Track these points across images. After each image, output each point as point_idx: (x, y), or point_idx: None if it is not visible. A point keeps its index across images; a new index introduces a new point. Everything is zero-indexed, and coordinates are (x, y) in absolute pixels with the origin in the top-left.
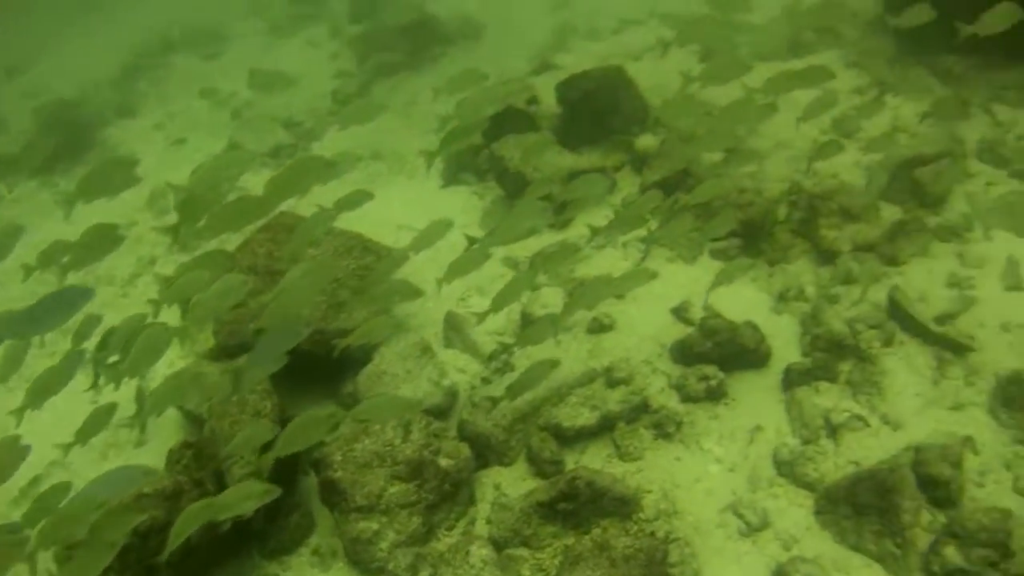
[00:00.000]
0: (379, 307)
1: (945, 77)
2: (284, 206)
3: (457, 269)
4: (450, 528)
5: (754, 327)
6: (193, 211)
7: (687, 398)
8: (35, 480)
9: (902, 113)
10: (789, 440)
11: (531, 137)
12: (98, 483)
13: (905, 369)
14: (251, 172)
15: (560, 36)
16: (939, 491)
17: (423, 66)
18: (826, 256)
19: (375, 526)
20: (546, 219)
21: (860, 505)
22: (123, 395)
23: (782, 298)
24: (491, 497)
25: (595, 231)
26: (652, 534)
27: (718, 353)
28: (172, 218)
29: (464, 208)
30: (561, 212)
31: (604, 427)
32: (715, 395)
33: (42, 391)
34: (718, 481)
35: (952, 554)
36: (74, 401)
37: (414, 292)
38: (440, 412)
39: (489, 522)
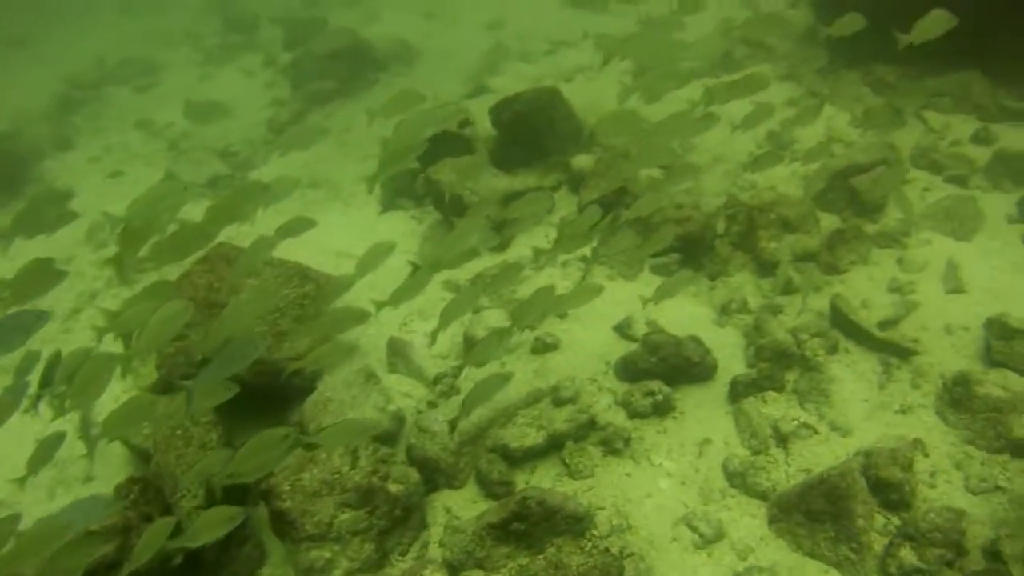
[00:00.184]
0: (324, 334)
1: (878, 86)
2: (223, 236)
3: (402, 294)
4: (403, 553)
5: (697, 341)
6: (133, 241)
7: (634, 414)
8: None
9: (836, 123)
10: (739, 451)
11: (466, 160)
12: (67, 511)
13: (851, 376)
14: (189, 203)
15: (493, 59)
16: (891, 494)
17: (357, 92)
18: (766, 267)
19: (327, 554)
20: (489, 240)
21: (813, 512)
22: (69, 428)
23: (725, 311)
24: (443, 520)
25: (539, 251)
26: (607, 550)
27: (663, 368)
28: (111, 251)
29: (403, 233)
30: (500, 234)
31: (552, 446)
32: (662, 410)
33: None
34: (670, 495)
35: (908, 555)
36: (10, 440)
37: (362, 316)
38: (387, 437)
39: (442, 545)
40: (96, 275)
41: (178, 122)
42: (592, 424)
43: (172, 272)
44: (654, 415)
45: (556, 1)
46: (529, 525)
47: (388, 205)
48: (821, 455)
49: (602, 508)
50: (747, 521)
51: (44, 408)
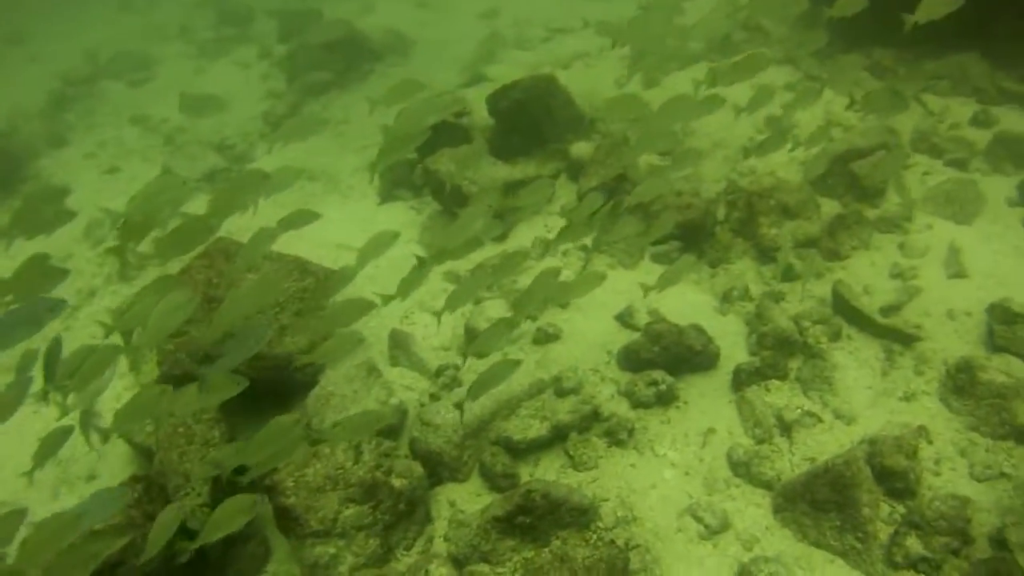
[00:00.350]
0: (330, 327)
1: (876, 69)
2: (222, 231)
3: (408, 286)
4: (408, 548)
5: (700, 329)
6: (133, 235)
7: (637, 404)
8: None
9: (835, 107)
10: (743, 440)
11: (465, 149)
12: (82, 505)
13: (854, 363)
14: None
15: (489, 47)
16: (896, 482)
17: (353, 84)
18: (767, 254)
19: (332, 550)
20: (493, 230)
21: (818, 501)
22: (74, 423)
23: (726, 299)
24: (447, 514)
25: (543, 240)
26: (612, 542)
27: (665, 357)
28: (112, 242)
29: (402, 223)
30: (503, 222)
31: (556, 438)
32: (665, 400)
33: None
34: (674, 485)
35: (914, 544)
36: (11, 441)
37: (367, 307)
38: (390, 431)
39: (447, 539)
40: (95, 272)
41: (173, 116)
42: (596, 415)
43: (170, 269)
44: (657, 405)
45: None
46: (534, 518)
47: (386, 196)
48: (825, 443)
49: (607, 500)
50: (752, 511)
51: (51, 400)
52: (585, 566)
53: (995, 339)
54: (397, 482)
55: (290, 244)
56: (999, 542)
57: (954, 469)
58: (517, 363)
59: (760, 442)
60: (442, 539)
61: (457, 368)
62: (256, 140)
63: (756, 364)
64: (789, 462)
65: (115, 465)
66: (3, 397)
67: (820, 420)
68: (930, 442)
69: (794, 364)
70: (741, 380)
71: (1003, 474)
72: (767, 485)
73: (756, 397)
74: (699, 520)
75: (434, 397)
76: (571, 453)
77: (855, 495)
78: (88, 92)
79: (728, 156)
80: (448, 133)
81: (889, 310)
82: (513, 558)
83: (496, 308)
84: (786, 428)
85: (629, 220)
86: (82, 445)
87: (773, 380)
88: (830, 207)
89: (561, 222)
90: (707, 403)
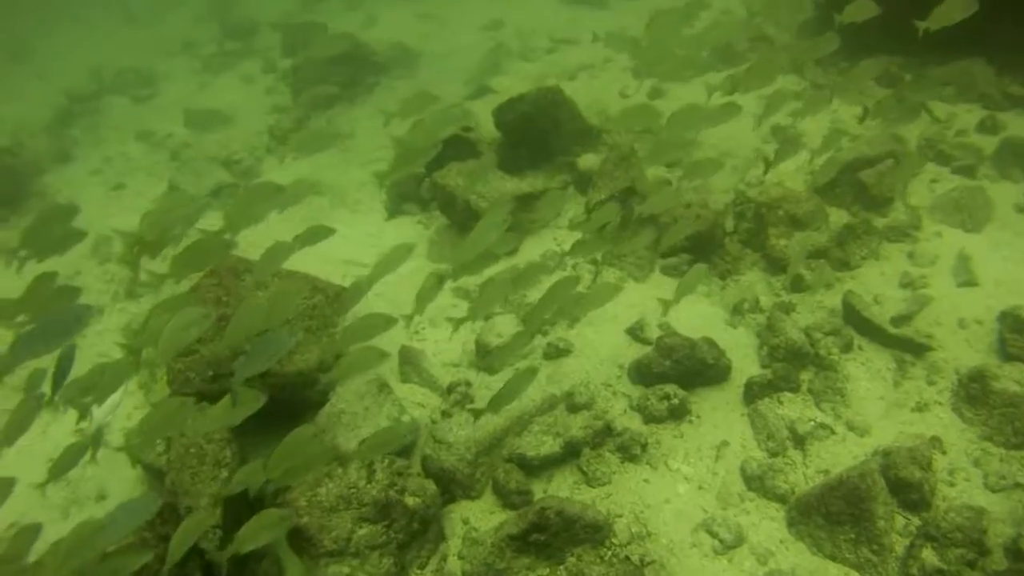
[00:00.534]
0: (349, 343)
1: (883, 77)
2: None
3: (424, 300)
4: (422, 566)
5: (711, 342)
6: (146, 251)
7: (650, 418)
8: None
9: (842, 116)
10: (756, 453)
11: (474, 163)
12: (112, 514)
13: (866, 374)
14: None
15: (494, 59)
16: (911, 494)
17: (359, 97)
18: (777, 265)
19: (346, 570)
20: (509, 243)
21: (833, 514)
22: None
23: (737, 311)
24: (461, 532)
25: (560, 253)
26: (627, 559)
27: (677, 371)
28: (116, 266)
29: (410, 238)
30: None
31: (569, 453)
32: (678, 414)
33: (13, 431)
34: (688, 500)
35: (929, 556)
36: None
37: (388, 322)
38: (403, 449)
39: (461, 557)
40: (103, 289)
41: (178, 132)
42: (608, 430)
43: (178, 288)
44: (670, 419)
45: None
46: (549, 535)
47: (394, 211)
48: (839, 455)
49: (620, 516)
50: (766, 525)
51: (58, 409)
52: None
53: (1007, 348)
54: (410, 501)
55: (297, 260)
56: (1015, 553)
57: (968, 480)
58: (535, 371)
59: (773, 455)
60: (456, 557)
61: (469, 384)
62: (263, 155)
63: (768, 376)
64: (803, 475)
65: (125, 485)
66: (15, 415)
67: (833, 432)
68: (944, 453)
69: (806, 376)
70: (753, 393)
71: (1017, 484)
72: (781, 498)
73: (769, 410)
74: (714, 535)
75: (446, 414)
76: (584, 469)
77: (870, 508)
78: (93, 108)
79: (736, 166)
80: (455, 147)
81: (900, 320)
82: None
83: (506, 324)
84: (799, 441)
85: (646, 231)
86: (92, 466)
87: (785, 392)
88: (838, 216)
89: (570, 235)
90: (720, 416)
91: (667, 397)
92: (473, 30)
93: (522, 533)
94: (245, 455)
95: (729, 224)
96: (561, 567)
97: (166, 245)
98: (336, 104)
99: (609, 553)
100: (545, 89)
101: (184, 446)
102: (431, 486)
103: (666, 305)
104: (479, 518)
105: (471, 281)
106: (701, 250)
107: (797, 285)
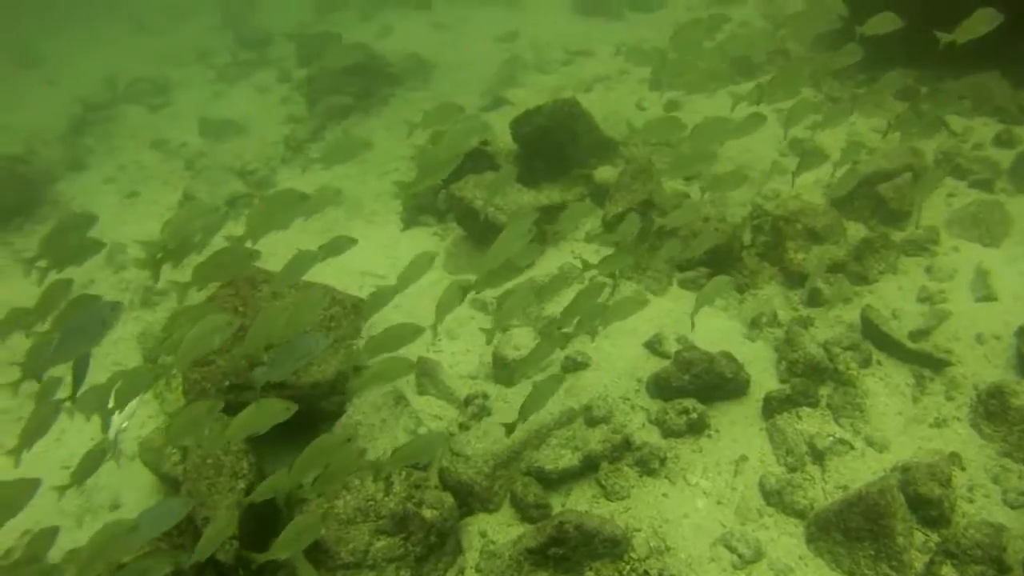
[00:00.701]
0: (377, 353)
1: (899, 91)
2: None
3: (444, 310)
4: None
5: (730, 357)
6: (170, 257)
7: (669, 433)
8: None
9: (859, 129)
10: (775, 468)
11: (493, 175)
12: (144, 515)
13: (884, 389)
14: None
15: (510, 70)
16: (930, 510)
17: (374, 108)
18: (795, 279)
19: None
20: (532, 255)
21: (852, 530)
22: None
23: (755, 324)
24: (478, 545)
25: (587, 264)
26: (645, 573)
27: (696, 385)
28: (130, 274)
29: (426, 249)
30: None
31: (588, 467)
32: (697, 428)
33: (32, 434)
34: (707, 515)
35: (949, 573)
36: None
37: (416, 332)
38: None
39: (479, 571)
40: (117, 298)
41: (193, 141)
42: (627, 444)
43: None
44: (689, 433)
45: (568, 10)
46: (567, 549)
47: (410, 222)
48: (858, 471)
49: (639, 530)
50: (785, 540)
51: (77, 413)
52: None
53: None
54: (428, 513)
55: (314, 271)
56: None
57: (987, 496)
58: (561, 378)
59: (792, 470)
60: (473, 570)
61: (486, 397)
62: (277, 165)
63: (787, 391)
64: (822, 490)
65: (140, 495)
66: (34, 419)
67: (852, 447)
68: (963, 469)
69: (824, 391)
70: (772, 407)
71: None
72: (800, 514)
73: (787, 425)
74: (732, 550)
75: (463, 427)
76: (603, 483)
77: (890, 524)
78: (107, 116)
79: (753, 179)
80: (473, 159)
81: (918, 335)
82: None
83: (524, 336)
84: (818, 456)
85: (670, 243)
86: (106, 475)
87: (804, 407)
88: (855, 230)
89: (587, 248)
90: (738, 431)
91: (686, 411)
92: (487, 41)
93: (541, 547)
94: (262, 466)
95: (746, 237)
96: None
97: (189, 253)
98: (351, 115)
99: (628, 568)
100: (562, 101)
101: (201, 457)
102: (449, 499)
103: (693, 318)
104: (496, 531)
105: (489, 293)
106: (719, 264)
107: (815, 299)
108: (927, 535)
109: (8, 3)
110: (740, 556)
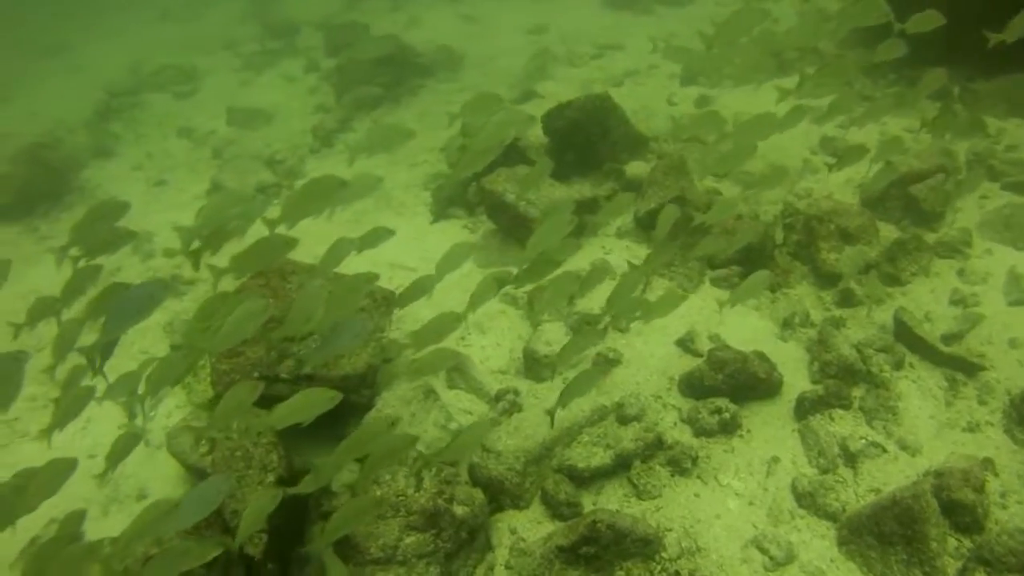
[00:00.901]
0: (420, 344)
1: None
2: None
3: (477, 300)
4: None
5: (764, 356)
6: (208, 244)
7: (701, 432)
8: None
9: (891, 128)
10: (807, 470)
11: (528, 169)
12: (187, 495)
13: (917, 392)
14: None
15: (540, 63)
16: (964, 516)
17: (403, 98)
18: (827, 279)
19: None
20: (571, 249)
21: (885, 534)
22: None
23: (787, 324)
24: (508, 542)
25: (632, 266)
26: (676, 573)
27: (729, 385)
28: (157, 262)
29: (456, 242)
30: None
31: (620, 466)
32: (729, 428)
33: (65, 415)
34: (739, 516)
35: None
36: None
37: (457, 320)
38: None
39: (509, 568)
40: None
41: (220, 129)
42: (659, 443)
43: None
44: (721, 433)
45: (597, 3)
46: (599, 548)
47: (439, 214)
48: (890, 474)
49: (670, 530)
50: (817, 543)
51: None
52: None
53: None
54: (459, 509)
55: (344, 263)
56: None
57: (1021, 503)
58: (603, 371)
59: (824, 472)
60: (503, 567)
61: (517, 393)
62: (306, 154)
63: (819, 392)
64: (854, 493)
65: (166, 485)
66: (65, 400)
67: (884, 451)
68: (996, 475)
69: (857, 393)
70: (805, 408)
71: None
72: (832, 517)
73: (820, 426)
74: (764, 551)
75: (494, 422)
76: (635, 482)
77: (923, 529)
78: (133, 103)
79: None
80: (504, 152)
81: (951, 338)
82: None
83: (555, 332)
84: (850, 458)
85: (709, 239)
86: (133, 464)
87: (837, 409)
88: (886, 231)
89: (618, 243)
90: (770, 432)
91: (718, 411)
92: (517, 33)
93: (572, 545)
94: (291, 460)
95: (779, 236)
96: None
97: (226, 240)
98: (381, 105)
99: (659, 568)
100: (594, 96)
101: (230, 448)
102: (479, 495)
103: (721, 305)
104: (527, 528)
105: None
106: (751, 262)
107: (847, 300)
108: (960, 541)
109: None
110: (772, 558)
